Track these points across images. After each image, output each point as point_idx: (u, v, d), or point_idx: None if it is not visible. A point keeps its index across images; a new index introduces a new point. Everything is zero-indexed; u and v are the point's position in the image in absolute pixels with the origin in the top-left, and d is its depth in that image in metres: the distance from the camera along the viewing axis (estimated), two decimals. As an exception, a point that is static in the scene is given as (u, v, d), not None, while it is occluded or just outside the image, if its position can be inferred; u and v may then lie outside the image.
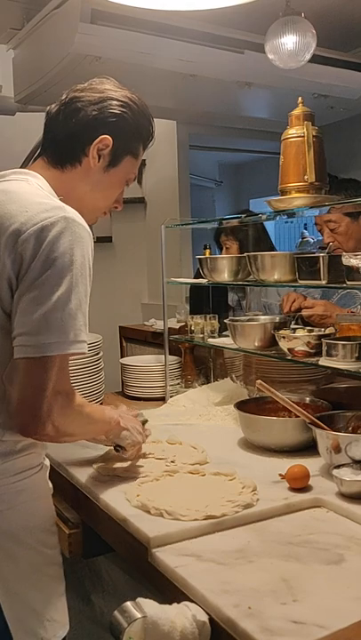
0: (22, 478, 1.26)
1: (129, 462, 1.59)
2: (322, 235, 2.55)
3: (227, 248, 2.95)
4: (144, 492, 1.41)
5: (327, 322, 2.26)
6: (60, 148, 1.36)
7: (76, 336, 1.17)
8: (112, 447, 1.60)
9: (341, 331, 1.81)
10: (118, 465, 1.59)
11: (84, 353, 1.20)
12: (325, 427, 1.56)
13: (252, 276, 2.02)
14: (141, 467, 1.58)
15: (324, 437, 1.52)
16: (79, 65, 2.48)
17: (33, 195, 1.25)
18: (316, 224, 2.61)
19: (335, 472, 1.41)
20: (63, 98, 1.38)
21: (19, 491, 1.25)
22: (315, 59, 2.52)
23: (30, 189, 1.28)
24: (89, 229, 1.22)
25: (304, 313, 2.32)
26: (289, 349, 1.81)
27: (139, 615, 0.98)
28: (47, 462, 1.36)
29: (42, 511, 1.31)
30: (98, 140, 1.35)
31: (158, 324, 3.34)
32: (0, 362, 1.21)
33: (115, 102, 1.36)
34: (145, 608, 0.99)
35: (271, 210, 1.94)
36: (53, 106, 1.39)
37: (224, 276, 2.12)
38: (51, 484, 1.36)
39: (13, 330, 1.17)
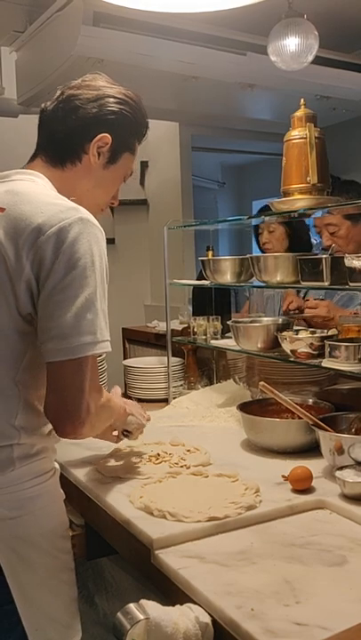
0: (39, 483, 1.25)
1: (131, 463, 1.60)
2: (321, 237, 2.55)
3: (270, 232, 2.91)
4: (147, 493, 1.41)
5: (329, 324, 2.26)
6: (60, 146, 1.36)
7: (102, 335, 1.18)
8: (115, 448, 1.62)
9: (344, 332, 1.81)
10: (120, 465, 1.59)
11: (109, 351, 1.21)
12: (328, 428, 1.56)
13: (254, 278, 2.03)
14: (143, 467, 1.58)
15: (326, 439, 1.52)
16: (81, 67, 2.48)
17: (44, 195, 1.25)
18: (315, 226, 2.59)
19: (338, 474, 1.41)
20: (58, 95, 1.37)
21: (35, 496, 1.24)
22: (317, 60, 2.53)
23: (40, 190, 1.28)
24: (102, 229, 1.23)
25: (307, 313, 2.32)
26: (292, 351, 1.81)
27: (142, 617, 0.98)
28: (58, 467, 1.36)
29: (57, 516, 1.30)
30: (97, 138, 1.34)
31: (161, 326, 3.35)
32: (13, 364, 1.21)
33: (112, 100, 1.36)
34: (148, 610, 0.99)
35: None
36: (49, 103, 1.38)
37: (227, 277, 2.12)
38: (61, 489, 1.36)
39: (42, 334, 1.17)
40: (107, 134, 1.35)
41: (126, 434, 1.61)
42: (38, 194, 1.25)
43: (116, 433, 1.61)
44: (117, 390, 1.65)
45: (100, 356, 2.34)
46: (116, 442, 1.63)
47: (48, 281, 1.16)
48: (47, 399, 1.19)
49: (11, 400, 1.22)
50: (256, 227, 3.01)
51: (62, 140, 1.35)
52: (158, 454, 1.65)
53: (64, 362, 1.15)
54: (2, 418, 1.21)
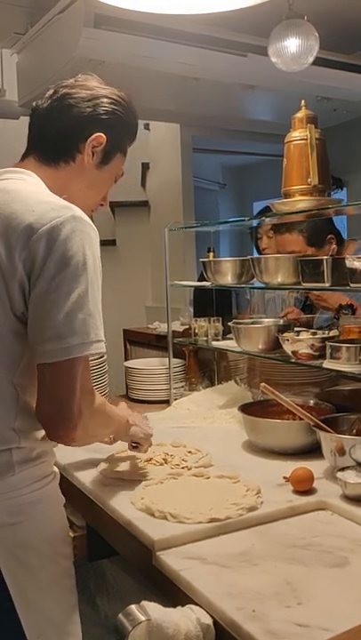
0: (39, 488, 1.24)
1: (133, 464, 1.60)
2: None
3: (270, 237, 2.90)
4: (148, 494, 1.41)
5: (320, 304, 2.29)
6: (54, 144, 1.34)
7: (96, 335, 1.17)
8: (113, 452, 1.62)
9: (345, 333, 1.81)
10: (122, 468, 1.59)
11: (103, 352, 1.20)
12: (329, 429, 1.56)
13: (255, 279, 2.03)
14: (144, 469, 1.58)
15: (328, 440, 1.52)
16: (83, 69, 2.44)
17: (36, 193, 1.24)
18: (278, 253, 2.57)
19: (339, 475, 1.41)
20: (51, 93, 1.35)
21: (36, 501, 1.22)
22: (318, 61, 2.54)
23: (31, 188, 1.26)
24: (95, 227, 1.22)
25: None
26: (293, 352, 1.81)
27: (143, 618, 0.98)
28: (57, 471, 1.35)
29: (57, 521, 1.29)
30: (92, 137, 1.33)
31: (162, 327, 3.35)
32: (10, 365, 1.20)
33: (106, 100, 1.35)
34: (149, 611, 0.99)
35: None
36: (42, 101, 1.36)
37: (227, 278, 2.12)
38: (61, 494, 1.35)
39: (36, 335, 1.15)
40: (101, 134, 1.34)
41: (135, 445, 1.59)
42: (30, 192, 1.24)
43: (112, 436, 1.59)
44: (123, 405, 1.63)
45: (102, 357, 2.36)
46: (110, 444, 1.62)
47: (39, 280, 1.14)
48: (38, 401, 1.17)
49: (9, 403, 1.20)
50: (255, 231, 3.01)
51: (56, 138, 1.34)
52: (163, 459, 1.64)
53: (59, 362, 1.14)
54: (1, 421, 1.20)
